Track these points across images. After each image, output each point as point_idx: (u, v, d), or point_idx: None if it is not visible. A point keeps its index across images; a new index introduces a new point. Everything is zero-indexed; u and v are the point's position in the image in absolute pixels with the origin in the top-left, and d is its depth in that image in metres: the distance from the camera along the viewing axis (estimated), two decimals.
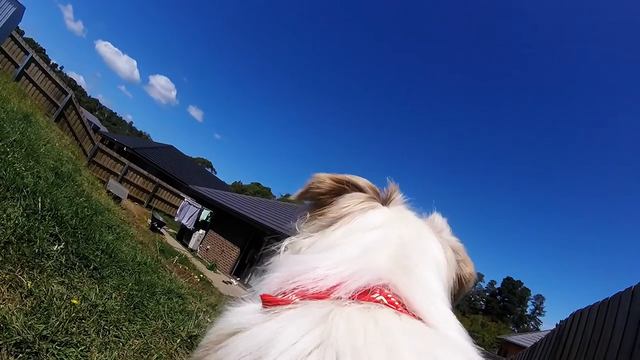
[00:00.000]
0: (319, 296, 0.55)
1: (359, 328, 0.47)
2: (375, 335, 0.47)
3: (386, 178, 0.86)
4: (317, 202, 0.84)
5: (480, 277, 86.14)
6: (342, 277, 0.58)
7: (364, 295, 0.55)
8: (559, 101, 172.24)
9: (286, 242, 0.81)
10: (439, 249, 0.77)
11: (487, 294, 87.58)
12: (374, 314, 0.51)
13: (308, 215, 0.85)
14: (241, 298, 0.66)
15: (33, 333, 2.00)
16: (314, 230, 0.80)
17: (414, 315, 0.55)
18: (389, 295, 0.56)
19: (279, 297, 0.57)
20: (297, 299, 0.54)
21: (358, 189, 0.83)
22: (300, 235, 0.81)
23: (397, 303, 0.55)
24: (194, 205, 18.81)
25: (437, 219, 0.87)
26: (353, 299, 0.54)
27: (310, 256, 0.70)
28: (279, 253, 0.78)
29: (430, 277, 0.67)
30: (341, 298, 0.54)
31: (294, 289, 0.57)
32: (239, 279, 16.26)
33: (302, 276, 0.59)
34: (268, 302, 0.55)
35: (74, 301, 2.43)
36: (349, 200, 0.80)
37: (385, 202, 0.84)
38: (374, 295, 0.55)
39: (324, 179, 0.84)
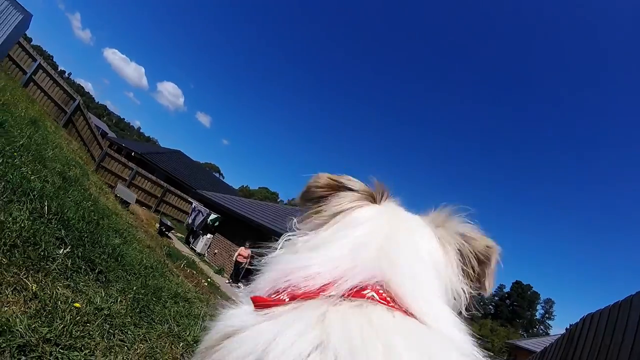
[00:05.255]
0: (311, 295, 0.54)
1: (355, 328, 0.48)
2: (371, 335, 0.47)
3: (369, 176, 0.89)
4: (316, 201, 0.87)
5: None
6: (334, 275, 0.58)
7: (355, 292, 0.55)
8: (573, 98, 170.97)
9: (284, 239, 0.82)
10: (430, 239, 0.75)
11: (496, 298, 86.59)
12: (367, 312, 0.51)
13: (306, 213, 0.87)
14: (238, 299, 0.67)
15: (37, 336, 1.97)
16: (310, 228, 0.81)
17: (405, 311, 0.54)
18: (380, 291, 0.56)
19: (271, 297, 0.57)
20: (288, 299, 0.54)
21: (351, 190, 0.85)
22: (297, 233, 0.82)
23: (388, 299, 0.55)
24: (201, 210, 18.88)
25: (441, 212, 0.84)
26: (345, 297, 0.54)
27: (301, 254, 0.70)
28: (275, 250, 0.79)
29: (420, 270, 0.66)
30: (333, 296, 0.54)
31: (286, 288, 0.58)
32: (247, 283, 16.25)
33: (293, 275, 0.60)
34: (259, 303, 0.55)
35: (76, 305, 2.41)
36: (342, 199, 0.83)
37: (376, 201, 0.86)
38: (364, 292, 0.55)
39: (323, 178, 0.87)
